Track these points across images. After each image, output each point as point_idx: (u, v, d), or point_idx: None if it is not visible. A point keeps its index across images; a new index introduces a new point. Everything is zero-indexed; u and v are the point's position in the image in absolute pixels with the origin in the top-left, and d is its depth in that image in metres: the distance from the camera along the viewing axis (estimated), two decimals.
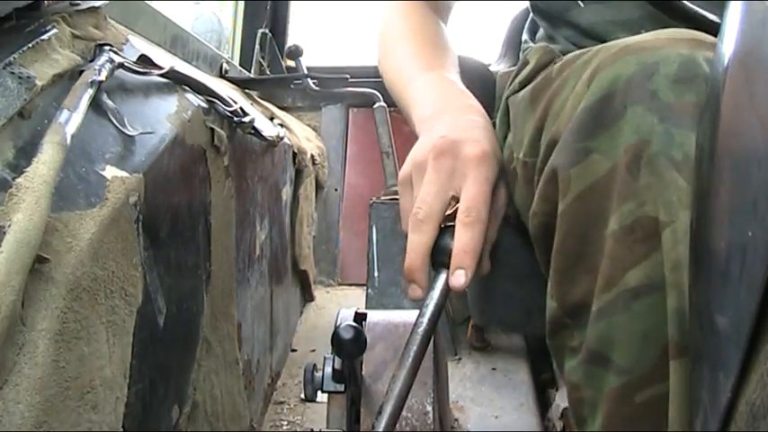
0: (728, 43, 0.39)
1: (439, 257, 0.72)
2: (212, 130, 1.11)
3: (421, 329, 0.67)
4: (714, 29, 0.65)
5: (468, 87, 0.93)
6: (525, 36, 1.11)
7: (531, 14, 1.10)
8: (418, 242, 0.72)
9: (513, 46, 1.23)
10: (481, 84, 1.08)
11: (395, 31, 1.00)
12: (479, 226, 0.71)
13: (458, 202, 0.73)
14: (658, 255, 0.54)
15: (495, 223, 0.77)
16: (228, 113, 1.20)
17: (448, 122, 0.79)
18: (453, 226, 0.72)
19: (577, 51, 0.79)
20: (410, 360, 0.65)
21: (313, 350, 2.04)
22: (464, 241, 0.70)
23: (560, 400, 1.45)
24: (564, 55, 0.92)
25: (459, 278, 0.70)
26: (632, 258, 0.56)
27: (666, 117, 0.57)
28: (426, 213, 0.72)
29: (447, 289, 0.71)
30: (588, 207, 0.61)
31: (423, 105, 0.86)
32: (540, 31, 1.06)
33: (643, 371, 0.56)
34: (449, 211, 0.72)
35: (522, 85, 0.90)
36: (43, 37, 0.75)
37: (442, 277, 0.71)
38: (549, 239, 0.67)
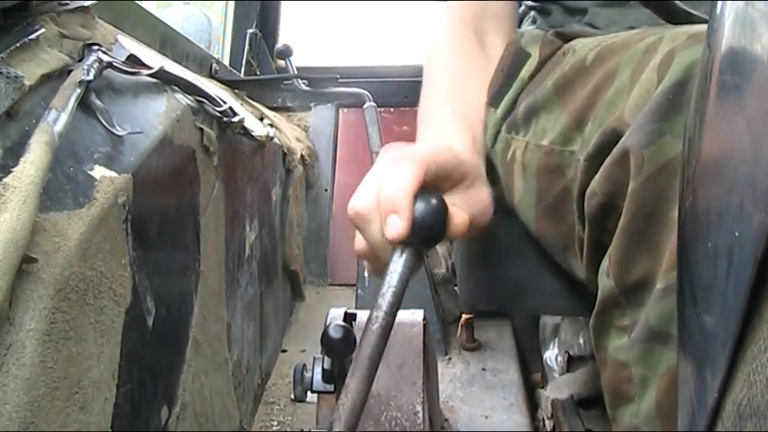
0: (715, 43, 0.39)
1: None
2: (202, 130, 1.11)
3: (376, 327, 0.59)
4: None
5: None
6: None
7: None
8: (400, 173, 0.63)
9: None
10: None
11: (437, 62, 0.98)
12: (413, 163, 0.63)
13: None
14: None
15: (483, 217, 0.75)
16: (218, 113, 1.20)
17: None
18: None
19: (612, 41, 0.79)
20: (367, 357, 0.58)
21: (303, 350, 2.03)
22: (393, 181, 0.62)
23: (549, 394, 1.46)
24: (548, 29, 0.94)
25: (394, 225, 0.61)
26: None
27: None
28: (407, 153, 0.66)
29: (408, 268, 0.62)
30: (658, 187, 0.62)
31: None
32: (530, 13, 1.08)
33: None
34: None
35: (531, 77, 0.90)
36: (31, 36, 0.75)
37: (402, 256, 0.63)
38: (607, 220, 0.68)
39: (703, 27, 0.66)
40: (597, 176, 0.69)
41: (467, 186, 0.72)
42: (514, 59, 0.94)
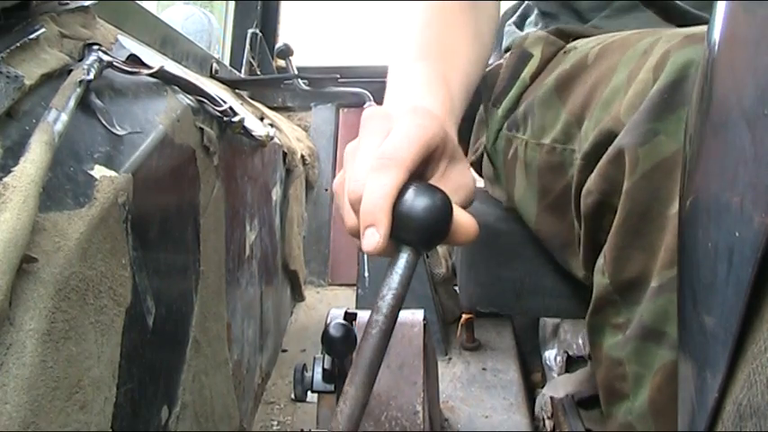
0: (715, 43, 0.39)
1: (394, 232, 0.58)
2: (202, 129, 1.11)
3: (375, 331, 0.56)
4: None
5: None
6: (512, 22, 1.11)
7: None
8: (382, 183, 0.57)
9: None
10: None
11: (419, 16, 0.83)
12: (395, 171, 0.58)
13: None
14: None
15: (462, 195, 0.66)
16: (218, 113, 1.20)
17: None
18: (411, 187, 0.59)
19: (613, 40, 0.79)
20: (366, 364, 0.55)
21: (303, 350, 2.03)
22: (373, 190, 0.57)
23: (547, 391, 1.46)
24: (556, 36, 0.93)
25: (371, 238, 0.56)
26: None
27: None
28: (390, 155, 0.59)
29: (408, 269, 0.58)
30: (653, 185, 0.63)
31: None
32: (534, 14, 1.07)
33: None
34: None
35: (533, 78, 0.90)
36: (31, 36, 0.75)
37: (403, 256, 0.59)
38: (602, 218, 0.69)
39: (701, 28, 0.67)
40: (593, 175, 0.70)
41: (446, 165, 0.65)
42: (518, 60, 0.94)
